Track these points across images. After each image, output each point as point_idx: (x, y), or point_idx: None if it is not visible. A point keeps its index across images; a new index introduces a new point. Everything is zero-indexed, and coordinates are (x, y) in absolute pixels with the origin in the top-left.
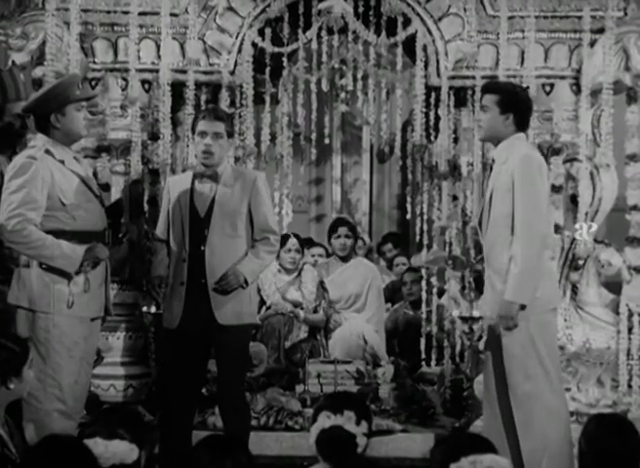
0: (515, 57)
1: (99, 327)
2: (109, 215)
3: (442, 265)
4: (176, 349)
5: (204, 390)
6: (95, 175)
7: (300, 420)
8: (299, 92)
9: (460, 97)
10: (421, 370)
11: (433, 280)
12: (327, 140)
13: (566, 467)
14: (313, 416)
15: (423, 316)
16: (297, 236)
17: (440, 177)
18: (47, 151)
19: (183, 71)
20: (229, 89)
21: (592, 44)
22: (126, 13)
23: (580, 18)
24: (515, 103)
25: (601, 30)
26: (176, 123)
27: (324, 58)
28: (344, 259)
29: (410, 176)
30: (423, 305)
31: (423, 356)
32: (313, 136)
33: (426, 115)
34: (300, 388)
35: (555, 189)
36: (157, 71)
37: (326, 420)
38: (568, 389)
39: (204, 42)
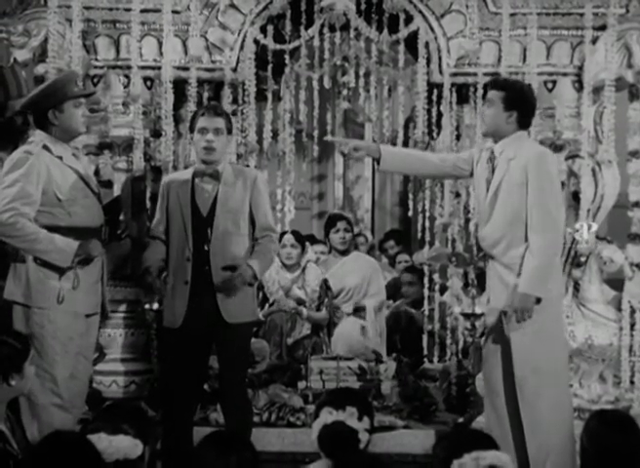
0: (517, 54)
1: (96, 323)
2: (107, 213)
3: (444, 262)
4: (178, 347)
5: (206, 386)
6: (97, 172)
7: (302, 417)
8: (301, 89)
9: (463, 93)
10: (424, 367)
11: (435, 277)
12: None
13: (569, 464)
14: (315, 412)
15: (426, 313)
16: (297, 233)
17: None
18: (44, 147)
19: (186, 68)
20: (231, 86)
21: (594, 41)
22: (128, 10)
23: (582, 15)
24: (520, 102)
25: (603, 27)
26: (178, 120)
27: (326, 55)
28: (344, 254)
29: None
30: (425, 303)
31: (426, 352)
32: (315, 132)
33: (428, 112)
34: (302, 384)
35: None
36: (159, 68)
37: (328, 416)
38: (570, 385)
39: (206, 39)
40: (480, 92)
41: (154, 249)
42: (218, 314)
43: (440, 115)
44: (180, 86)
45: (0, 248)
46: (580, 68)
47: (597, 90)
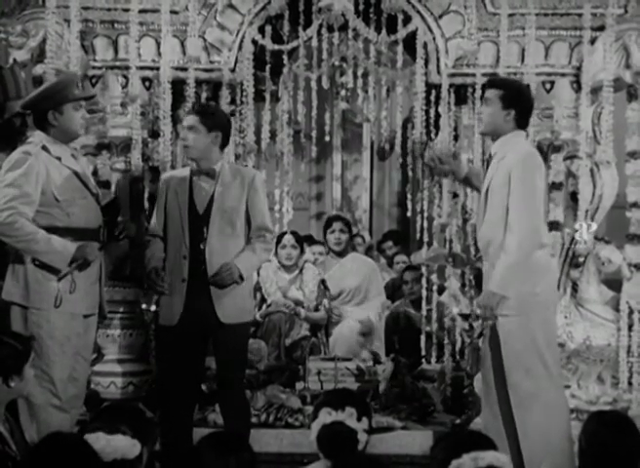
0: (515, 54)
1: (94, 324)
2: (105, 213)
3: (442, 263)
4: (174, 346)
5: (204, 387)
6: (95, 172)
7: (300, 417)
8: (299, 89)
9: (461, 94)
10: (421, 368)
11: (433, 277)
12: (327, 138)
13: (566, 465)
14: (314, 412)
15: (424, 313)
16: (295, 233)
17: (440, 175)
18: (43, 147)
19: (184, 69)
20: (230, 86)
21: (593, 41)
22: (126, 10)
23: (580, 15)
24: (517, 100)
25: (601, 28)
26: (176, 120)
27: (324, 55)
28: (340, 255)
29: (410, 174)
30: (423, 303)
31: (423, 353)
32: (313, 133)
33: (427, 113)
34: (300, 385)
35: (555, 186)
36: (157, 69)
37: (327, 416)
38: (568, 386)
39: (204, 39)
40: (478, 92)
41: (155, 247)
42: (213, 314)
43: (438, 116)
44: (178, 86)
45: (0, 248)
46: (579, 69)
47: (595, 90)
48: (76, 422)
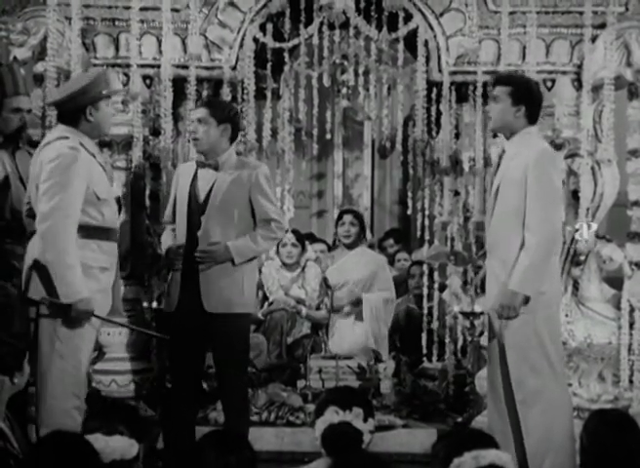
0: (516, 52)
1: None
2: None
3: (444, 261)
4: (173, 334)
5: (205, 386)
6: None
7: (301, 416)
8: (300, 87)
9: (462, 92)
10: (423, 366)
11: (435, 275)
12: (328, 136)
13: (568, 462)
14: (319, 409)
15: (425, 311)
16: (297, 232)
17: (442, 173)
18: (80, 143)
19: (185, 67)
20: (231, 84)
21: (594, 39)
22: (127, 8)
23: (581, 13)
24: (527, 96)
25: (602, 26)
26: (177, 118)
27: (325, 53)
28: (350, 247)
29: (411, 172)
30: (424, 301)
31: (425, 351)
32: (315, 131)
33: (428, 110)
34: (301, 383)
35: None
36: (158, 67)
37: (334, 415)
38: (569, 384)
39: (205, 37)
40: (479, 90)
41: (168, 234)
42: (200, 302)
43: (439, 114)
44: (179, 84)
45: (1, 247)
46: (580, 67)
47: (596, 88)
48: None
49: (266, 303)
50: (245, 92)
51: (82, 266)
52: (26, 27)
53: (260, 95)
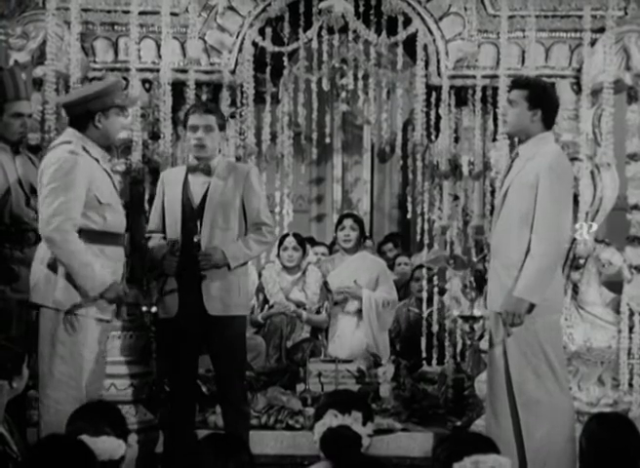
0: (516, 56)
1: (109, 328)
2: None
3: (443, 265)
4: (172, 339)
5: (204, 389)
6: None
7: (300, 419)
8: (299, 91)
9: (461, 96)
10: (422, 370)
11: (434, 279)
12: (328, 140)
13: (569, 467)
14: (318, 413)
15: (424, 315)
16: (298, 235)
17: (441, 177)
18: (83, 148)
19: (184, 71)
20: (230, 88)
21: (593, 43)
22: (126, 12)
23: (580, 17)
24: (544, 100)
25: (602, 29)
26: (176, 122)
27: (325, 57)
28: (349, 252)
29: (411, 176)
30: (424, 305)
31: (424, 355)
32: (314, 135)
33: (427, 114)
34: (300, 387)
35: None
36: (158, 71)
37: (333, 419)
38: (569, 388)
39: (204, 41)
40: (479, 94)
41: (157, 240)
42: (202, 306)
43: (439, 118)
44: (178, 88)
45: (0, 251)
46: (579, 71)
47: (596, 92)
48: None
49: (267, 307)
50: (244, 96)
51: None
52: (25, 31)
53: (259, 99)
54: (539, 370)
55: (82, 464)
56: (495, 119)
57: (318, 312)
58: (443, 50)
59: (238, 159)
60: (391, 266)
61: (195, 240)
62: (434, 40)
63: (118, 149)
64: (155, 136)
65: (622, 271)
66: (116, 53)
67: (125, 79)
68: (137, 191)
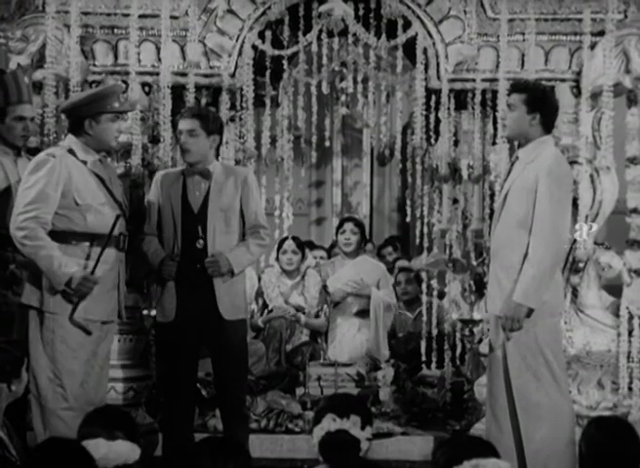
0: (515, 59)
1: (113, 330)
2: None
3: (442, 268)
4: (171, 344)
5: (204, 393)
6: None
7: (300, 423)
8: (299, 94)
9: (461, 99)
10: (422, 373)
11: (434, 283)
12: (327, 143)
13: None
14: (317, 417)
15: (424, 319)
16: (297, 239)
17: (440, 180)
18: (70, 151)
19: (184, 74)
20: (230, 92)
21: (593, 46)
22: (126, 15)
23: (580, 20)
24: (543, 103)
25: (601, 33)
26: (176, 126)
27: (324, 60)
28: (350, 256)
29: (410, 179)
30: (424, 308)
31: (424, 358)
32: (314, 138)
33: (427, 118)
34: (300, 391)
35: None
36: (157, 74)
37: (331, 423)
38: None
39: (204, 45)
40: (478, 97)
41: (153, 244)
42: (214, 310)
43: (438, 121)
44: (178, 91)
45: (0, 254)
46: (579, 74)
47: (595, 95)
48: None
49: (266, 311)
50: (244, 99)
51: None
52: (25, 35)
53: (258, 102)
54: (538, 373)
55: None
56: (494, 122)
57: (317, 316)
58: (443, 53)
59: (238, 162)
60: (391, 270)
61: (199, 246)
62: (434, 43)
63: (118, 153)
64: (155, 139)
65: (622, 275)
66: (116, 56)
67: (125, 82)
68: (136, 195)
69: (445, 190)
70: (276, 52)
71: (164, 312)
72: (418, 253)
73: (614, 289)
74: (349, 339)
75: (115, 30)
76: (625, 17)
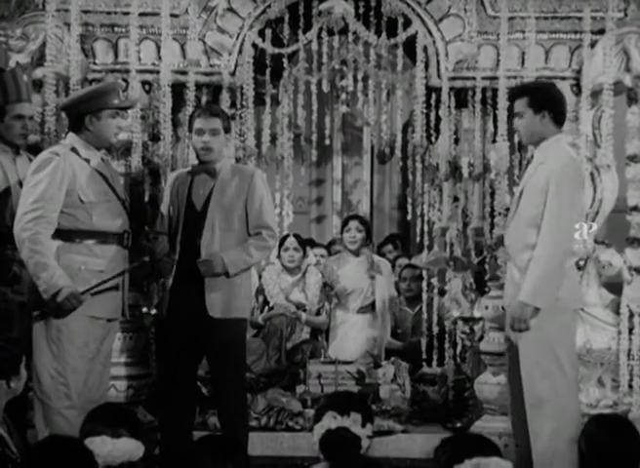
0: (516, 57)
1: (115, 328)
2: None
3: (443, 266)
4: (169, 339)
5: (204, 391)
6: None
7: (300, 421)
8: (299, 93)
9: (461, 97)
10: (422, 371)
11: (434, 281)
12: (327, 141)
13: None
14: (317, 415)
15: (424, 316)
16: (298, 236)
17: (441, 178)
18: (72, 149)
19: (184, 72)
20: (230, 90)
21: (593, 45)
22: (126, 14)
23: (580, 18)
24: (547, 100)
25: (601, 31)
26: (176, 124)
27: (324, 58)
28: (355, 253)
29: (410, 177)
30: (424, 306)
31: (424, 356)
32: (314, 137)
33: (427, 116)
34: (300, 389)
35: None
36: (157, 72)
37: (332, 421)
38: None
39: (204, 43)
40: (479, 96)
41: (161, 242)
42: (202, 307)
43: (438, 119)
44: (178, 90)
45: (1, 253)
46: (579, 72)
47: (595, 94)
48: None
49: (267, 308)
50: (244, 97)
51: (68, 269)
52: (25, 33)
53: (259, 100)
54: (547, 370)
55: (82, 466)
56: (495, 120)
57: (318, 313)
58: (443, 51)
59: (238, 160)
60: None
61: (197, 243)
62: (434, 41)
63: (118, 151)
64: (155, 137)
65: (622, 273)
66: (116, 54)
67: (125, 80)
68: (137, 192)
69: (445, 188)
70: (276, 50)
71: (164, 310)
72: (418, 250)
73: (614, 286)
74: (350, 337)
75: (115, 28)
76: (625, 15)
